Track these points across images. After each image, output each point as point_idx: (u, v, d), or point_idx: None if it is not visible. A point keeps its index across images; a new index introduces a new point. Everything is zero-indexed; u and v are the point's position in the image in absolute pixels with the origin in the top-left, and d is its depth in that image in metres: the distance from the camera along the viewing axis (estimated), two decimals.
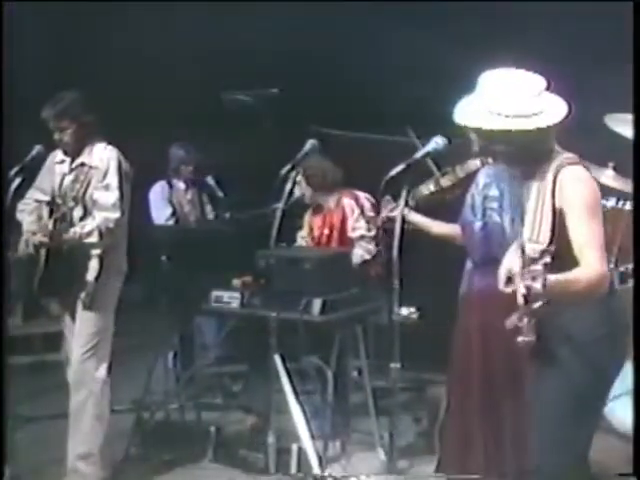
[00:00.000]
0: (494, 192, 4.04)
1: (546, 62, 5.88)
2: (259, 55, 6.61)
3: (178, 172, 6.23)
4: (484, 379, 4.07)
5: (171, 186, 6.26)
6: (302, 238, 5.60)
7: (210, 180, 6.14)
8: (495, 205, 4.02)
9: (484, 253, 4.10)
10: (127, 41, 6.58)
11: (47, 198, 4.60)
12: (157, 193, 6.21)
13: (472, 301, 4.18)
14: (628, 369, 3.81)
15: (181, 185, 6.28)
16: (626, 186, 4.71)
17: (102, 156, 4.52)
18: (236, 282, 5.06)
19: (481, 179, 4.12)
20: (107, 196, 4.46)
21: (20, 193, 4.54)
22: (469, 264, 4.21)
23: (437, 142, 4.12)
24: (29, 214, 4.60)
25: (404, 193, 3.99)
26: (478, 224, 4.07)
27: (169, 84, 6.72)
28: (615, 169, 4.85)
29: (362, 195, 5.54)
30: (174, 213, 6.21)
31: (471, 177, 4.27)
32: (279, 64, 6.52)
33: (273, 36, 6.64)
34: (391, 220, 4.20)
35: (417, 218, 4.43)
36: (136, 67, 6.66)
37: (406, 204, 4.27)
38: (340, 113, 6.10)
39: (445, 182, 4.46)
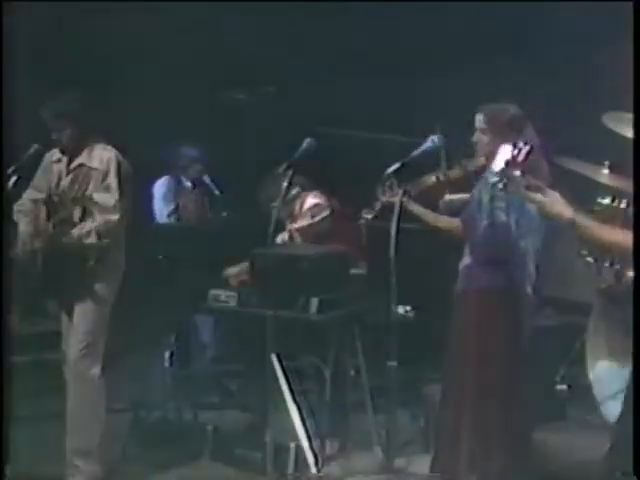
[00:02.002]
0: (502, 191, 4.03)
1: (545, 61, 5.92)
2: (258, 54, 6.61)
3: (187, 171, 6.25)
4: (480, 377, 4.08)
5: (178, 183, 6.27)
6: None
7: (206, 179, 6.15)
8: (503, 204, 4.01)
9: (488, 251, 4.10)
10: (127, 40, 6.58)
11: (44, 197, 4.60)
12: (162, 187, 6.22)
13: (470, 299, 4.17)
14: (623, 367, 3.82)
15: (188, 184, 6.29)
16: (621, 184, 4.71)
17: (102, 157, 4.52)
18: (233, 281, 5.07)
19: (490, 177, 4.11)
20: (107, 198, 4.45)
21: (17, 192, 4.55)
22: (467, 261, 4.20)
23: (434, 140, 4.13)
24: (25, 215, 4.60)
25: (401, 189, 4.00)
26: (484, 222, 4.06)
27: (169, 83, 6.72)
28: (611, 167, 4.86)
29: (311, 194, 5.58)
30: (176, 209, 6.21)
31: (478, 173, 4.26)
32: (279, 63, 6.52)
33: (273, 35, 6.65)
34: (390, 205, 4.22)
35: (416, 208, 4.42)
36: (136, 67, 6.65)
37: (406, 194, 4.26)
38: (340, 113, 6.11)
39: (453, 173, 4.44)
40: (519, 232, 4.03)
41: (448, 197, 4.46)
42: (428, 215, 4.43)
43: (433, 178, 4.50)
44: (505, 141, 4.09)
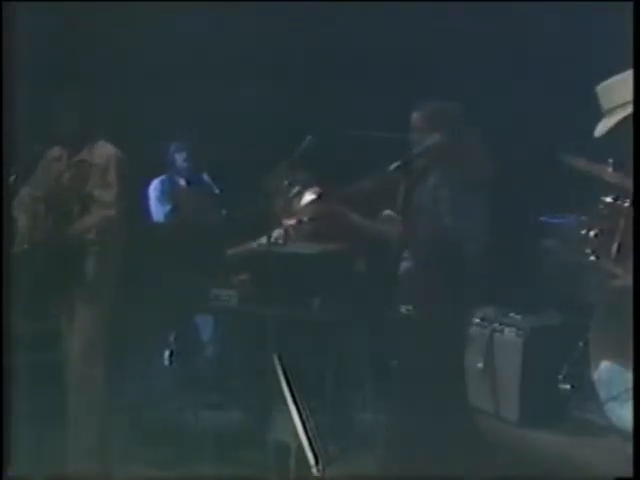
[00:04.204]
0: (445, 194, 4.02)
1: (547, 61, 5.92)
2: (258, 54, 6.61)
3: (179, 170, 6.24)
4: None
5: (172, 182, 6.26)
6: None
7: (206, 177, 6.14)
8: (446, 208, 4.00)
9: (431, 254, 4.08)
10: (127, 40, 6.58)
11: (43, 195, 4.61)
12: (157, 189, 6.21)
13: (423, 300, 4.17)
14: (626, 368, 3.81)
15: (182, 182, 6.28)
16: (625, 183, 4.70)
17: (102, 154, 4.56)
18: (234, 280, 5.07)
19: (432, 180, 4.10)
20: (106, 194, 4.48)
21: (17, 189, 4.55)
22: (407, 265, 4.17)
23: (434, 138, 4.12)
24: (25, 212, 4.60)
25: (401, 189, 3.99)
26: (427, 226, 4.05)
27: (168, 83, 6.72)
28: (614, 165, 4.85)
29: (309, 191, 5.56)
30: (173, 209, 6.20)
31: (423, 176, 4.22)
32: (279, 63, 6.52)
33: (273, 35, 6.65)
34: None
35: (355, 217, 4.41)
36: (136, 66, 6.66)
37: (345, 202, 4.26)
38: (340, 112, 6.11)
39: (393, 176, 4.41)
40: (463, 235, 4.01)
41: (387, 212, 4.44)
42: (365, 224, 4.41)
43: (371, 183, 4.47)
44: (443, 138, 4.07)
